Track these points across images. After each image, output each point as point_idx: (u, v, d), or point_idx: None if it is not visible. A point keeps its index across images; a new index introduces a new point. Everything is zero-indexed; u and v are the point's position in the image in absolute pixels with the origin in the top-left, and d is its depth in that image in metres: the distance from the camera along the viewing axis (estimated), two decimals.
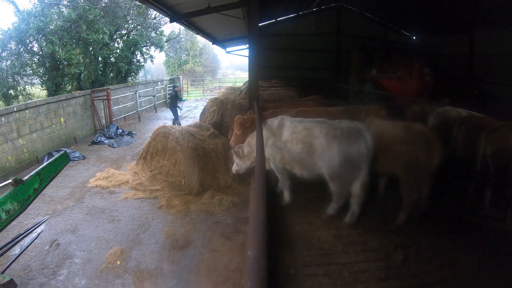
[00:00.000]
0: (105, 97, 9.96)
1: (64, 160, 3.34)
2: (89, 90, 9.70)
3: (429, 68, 8.70)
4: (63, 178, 5.86)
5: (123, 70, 14.38)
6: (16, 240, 3.29)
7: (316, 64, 12.42)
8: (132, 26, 14.68)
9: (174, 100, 9.47)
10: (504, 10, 7.13)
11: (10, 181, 2.79)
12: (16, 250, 3.56)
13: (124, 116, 11.42)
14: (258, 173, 1.93)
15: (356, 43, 11.88)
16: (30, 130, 6.91)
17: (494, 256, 2.92)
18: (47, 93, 12.68)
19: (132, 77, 15.59)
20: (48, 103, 7.66)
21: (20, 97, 12.58)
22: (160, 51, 16.92)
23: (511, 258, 2.88)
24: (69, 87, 12.61)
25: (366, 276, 2.78)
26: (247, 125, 4.59)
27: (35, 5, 11.93)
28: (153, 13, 14.71)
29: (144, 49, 15.31)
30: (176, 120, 9.56)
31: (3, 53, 11.91)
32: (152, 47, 15.90)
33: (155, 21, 15.47)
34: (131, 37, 14.39)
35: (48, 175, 3.11)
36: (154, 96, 13.68)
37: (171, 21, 7.02)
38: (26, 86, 13.02)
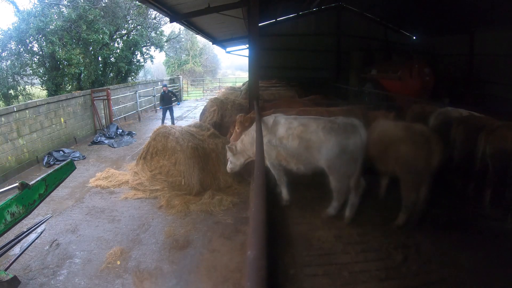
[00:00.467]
0: (105, 97, 9.96)
1: (70, 168, 3.38)
2: (89, 90, 9.70)
3: (429, 68, 8.70)
4: None
5: (123, 70, 14.38)
6: (18, 239, 3.29)
7: (316, 64, 12.41)
8: (132, 26, 14.69)
9: (163, 100, 9.73)
10: (504, 10, 7.13)
11: (16, 184, 2.82)
12: (16, 250, 3.56)
13: (124, 116, 11.42)
14: (258, 173, 1.93)
15: (356, 43, 11.88)
16: (30, 130, 6.91)
17: (494, 256, 2.92)
18: (47, 93, 12.69)
19: (132, 77, 15.60)
20: (48, 103, 7.66)
21: (20, 97, 12.59)
22: (160, 51, 16.92)
23: (511, 258, 2.88)
24: (69, 87, 12.62)
25: (366, 276, 2.79)
26: (246, 124, 4.65)
27: (35, 5, 11.95)
28: (153, 13, 14.72)
29: (144, 49, 15.32)
30: (163, 120, 9.76)
31: (3, 53, 11.92)
32: (152, 47, 15.91)
33: (155, 21, 15.48)
34: (131, 37, 14.39)
35: (54, 182, 3.16)
36: (154, 96, 13.68)
37: (171, 21, 7.02)
38: (26, 86, 13.04)
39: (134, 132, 9.54)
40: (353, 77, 11.30)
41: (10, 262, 3.16)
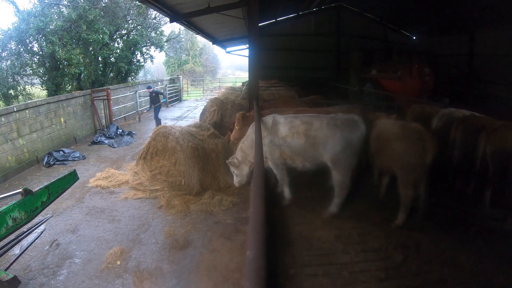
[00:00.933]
0: (105, 97, 9.95)
1: (73, 178, 3.41)
2: (89, 90, 9.69)
3: (429, 68, 8.69)
4: None
5: (123, 70, 14.38)
6: (18, 239, 3.29)
7: (316, 64, 12.42)
8: (132, 26, 14.69)
9: (152, 101, 9.83)
10: (504, 10, 7.13)
11: (20, 190, 2.84)
12: (16, 250, 3.56)
13: (124, 116, 11.41)
14: (257, 173, 1.93)
15: (356, 43, 11.86)
16: (30, 130, 6.91)
17: (494, 256, 2.92)
18: (47, 93, 12.69)
19: (132, 77, 15.60)
20: (48, 103, 7.65)
21: (20, 97, 12.58)
22: (160, 51, 16.92)
23: (511, 258, 2.88)
24: (69, 87, 12.62)
25: (366, 276, 2.79)
26: (245, 122, 4.68)
27: (35, 5, 11.94)
28: (153, 13, 14.72)
29: (144, 49, 15.33)
30: (156, 119, 9.84)
31: (3, 53, 11.92)
32: (152, 47, 15.91)
33: (155, 21, 15.48)
34: (131, 37, 14.39)
35: (57, 191, 3.18)
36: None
37: (171, 21, 7.02)
38: (26, 86, 13.03)
39: (134, 132, 9.54)
40: (353, 77, 11.30)
41: (10, 262, 3.16)
